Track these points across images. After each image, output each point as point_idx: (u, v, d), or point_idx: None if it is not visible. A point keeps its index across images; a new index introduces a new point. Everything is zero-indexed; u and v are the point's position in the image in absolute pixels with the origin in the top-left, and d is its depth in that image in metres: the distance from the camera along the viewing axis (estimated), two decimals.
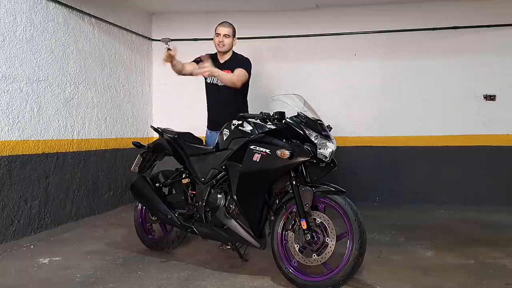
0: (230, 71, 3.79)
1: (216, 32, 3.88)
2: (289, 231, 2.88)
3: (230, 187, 3.08)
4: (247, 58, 3.96)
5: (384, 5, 5.66)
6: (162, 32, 6.17)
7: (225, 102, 3.83)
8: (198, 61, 3.88)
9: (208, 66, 3.59)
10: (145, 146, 3.82)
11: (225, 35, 3.83)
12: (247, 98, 4.02)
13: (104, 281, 3.00)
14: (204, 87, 4.03)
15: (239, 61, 3.89)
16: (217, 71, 3.66)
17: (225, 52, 3.90)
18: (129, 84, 5.75)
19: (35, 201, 4.17)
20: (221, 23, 3.91)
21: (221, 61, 3.93)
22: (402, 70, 5.73)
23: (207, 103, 4.03)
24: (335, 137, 2.93)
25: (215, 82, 3.89)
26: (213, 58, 3.95)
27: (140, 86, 6.03)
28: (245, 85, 3.93)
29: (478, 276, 3.05)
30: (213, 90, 3.92)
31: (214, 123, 3.89)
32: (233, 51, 3.96)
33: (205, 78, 3.93)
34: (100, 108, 5.16)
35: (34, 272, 3.20)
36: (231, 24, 3.91)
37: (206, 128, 4.02)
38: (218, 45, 3.86)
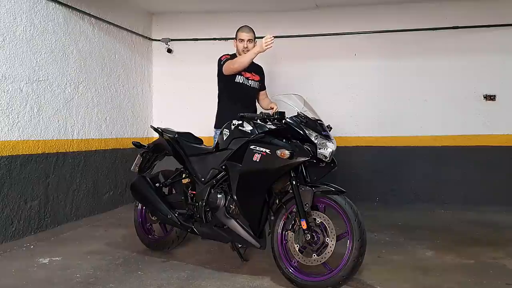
0: (257, 76, 4.00)
1: (239, 38, 3.88)
2: (289, 231, 2.88)
3: (230, 187, 3.08)
4: (261, 67, 4.15)
5: (384, 5, 5.66)
6: (162, 32, 6.19)
7: (249, 102, 3.92)
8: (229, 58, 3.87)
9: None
10: (145, 146, 3.82)
11: (249, 40, 3.86)
12: None
13: (104, 281, 3.00)
14: (225, 86, 3.97)
15: (260, 72, 4.09)
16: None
17: None
18: (129, 84, 5.75)
19: (35, 201, 4.17)
20: (243, 27, 3.93)
21: None
22: (402, 70, 5.73)
23: (228, 100, 3.95)
24: (335, 137, 2.94)
25: (245, 82, 3.92)
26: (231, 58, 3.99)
27: (140, 86, 6.03)
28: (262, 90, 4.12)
29: (478, 276, 3.04)
30: (241, 89, 3.91)
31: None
32: None
33: (232, 76, 3.87)
34: (100, 108, 5.16)
35: (34, 272, 3.20)
36: (252, 28, 3.93)
37: (215, 128, 3.95)
38: (243, 51, 3.85)
